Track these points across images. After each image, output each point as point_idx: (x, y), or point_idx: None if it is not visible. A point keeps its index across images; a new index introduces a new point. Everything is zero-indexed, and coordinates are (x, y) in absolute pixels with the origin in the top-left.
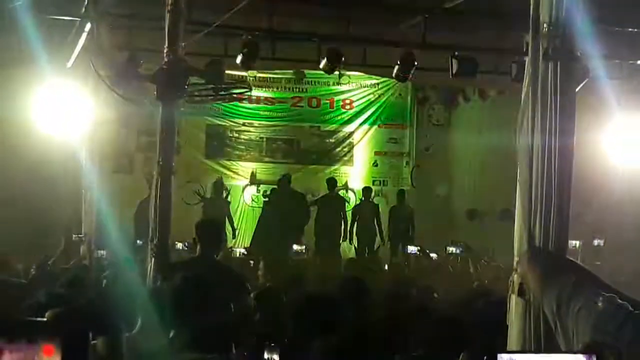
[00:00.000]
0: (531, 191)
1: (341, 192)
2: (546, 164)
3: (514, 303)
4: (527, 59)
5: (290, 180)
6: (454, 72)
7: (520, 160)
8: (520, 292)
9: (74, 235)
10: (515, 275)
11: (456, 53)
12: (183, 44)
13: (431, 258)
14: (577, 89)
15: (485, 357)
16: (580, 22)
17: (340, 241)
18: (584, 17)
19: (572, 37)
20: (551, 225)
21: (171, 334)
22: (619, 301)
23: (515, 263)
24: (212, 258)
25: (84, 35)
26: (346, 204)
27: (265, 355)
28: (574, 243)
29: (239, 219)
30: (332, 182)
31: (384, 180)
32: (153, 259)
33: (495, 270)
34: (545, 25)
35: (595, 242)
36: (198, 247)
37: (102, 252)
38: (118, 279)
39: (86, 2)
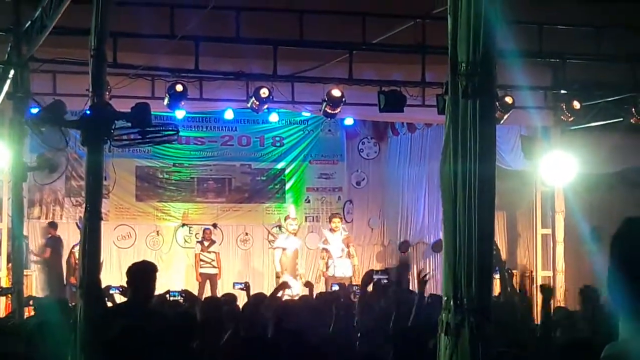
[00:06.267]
0: (456, 229)
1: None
2: (468, 199)
3: (443, 343)
4: (447, 98)
5: None
6: (381, 106)
7: (443, 197)
8: (447, 331)
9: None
10: (444, 314)
11: (383, 88)
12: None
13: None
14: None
15: None
16: (500, 59)
17: None
18: (504, 52)
19: (490, 76)
20: (474, 265)
21: None
22: None
23: (443, 302)
24: (143, 304)
25: (8, 82)
26: None
27: None
28: None
29: (172, 260)
30: None
31: (316, 217)
32: (82, 305)
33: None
34: (463, 64)
35: None
36: (129, 292)
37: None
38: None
39: (9, 48)
